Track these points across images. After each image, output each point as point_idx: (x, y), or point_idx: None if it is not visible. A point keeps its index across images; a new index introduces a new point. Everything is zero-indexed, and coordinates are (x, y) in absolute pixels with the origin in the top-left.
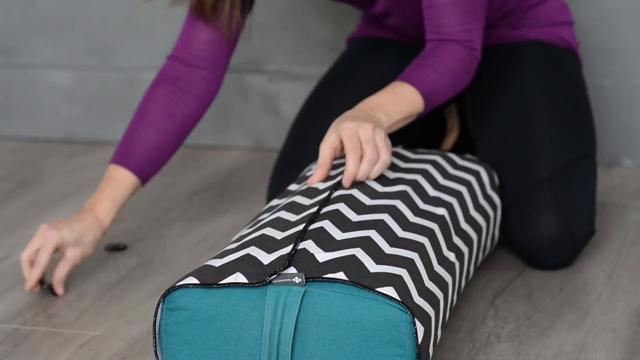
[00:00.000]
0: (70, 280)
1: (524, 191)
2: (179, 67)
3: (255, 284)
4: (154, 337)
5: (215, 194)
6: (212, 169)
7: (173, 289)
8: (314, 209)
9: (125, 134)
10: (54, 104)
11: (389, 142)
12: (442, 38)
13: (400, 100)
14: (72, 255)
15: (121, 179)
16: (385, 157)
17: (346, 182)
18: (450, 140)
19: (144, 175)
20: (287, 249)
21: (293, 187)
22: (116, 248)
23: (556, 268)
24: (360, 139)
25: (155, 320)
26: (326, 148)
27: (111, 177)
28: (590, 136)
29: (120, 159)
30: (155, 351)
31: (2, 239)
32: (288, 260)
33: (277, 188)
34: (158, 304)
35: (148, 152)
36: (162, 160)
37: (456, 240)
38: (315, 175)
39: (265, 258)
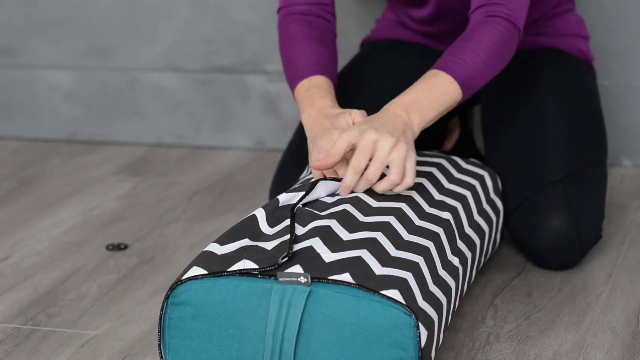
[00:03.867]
0: (70, 280)
1: (535, 191)
2: (300, 15)
3: (267, 268)
4: (159, 331)
5: (215, 194)
6: (212, 169)
7: (181, 282)
8: (301, 194)
9: (288, 61)
10: (54, 104)
11: (412, 159)
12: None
13: (436, 95)
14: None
15: (320, 79)
16: (408, 180)
17: (342, 192)
18: (452, 141)
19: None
20: (284, 225)
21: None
22: (117, 248)
23: (560, 269)
24: (374, 153)
25: (162, 314)
26: (344, 140)
27: (309, 84)
28: (602, 143)
29: (306, 72)
30: (159, 345)
31: (3, 239)
32: (292, 242)
33: (281, 185)
34: (165, 299)
35: (318, 59)
36: (330, 66)
37: (460, 244)
38: (323, 161)
39: (267, 244)
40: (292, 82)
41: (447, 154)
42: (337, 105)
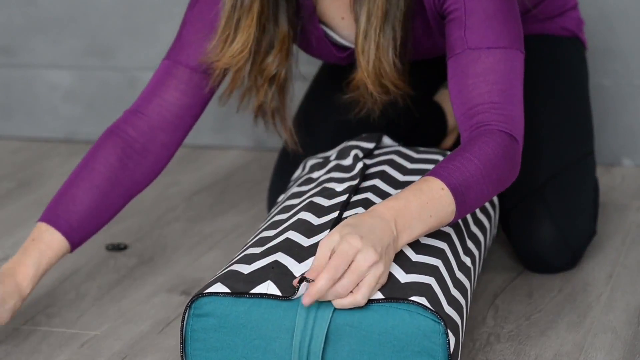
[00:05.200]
0: (70, 280)
1: (519, 199)
2: (141, 125)
3: (288, 297)
4: (182, 343)
5: (215, 194)
6: (212, 169)
7: (202, 295)
8: (335, 214)
9: (61, 189)
10: (54, 104)
11: (382, 279)
12: (474, 118)
13: (426, 202)
14: None
15: (50, 243)
16: (359, 298)
17: (307, 297)
18: (451, 139)
19: (76, 240)
20: (319, 237)
21: (297, 187)
22: (116, 248)
23: (555, 272)
24: (351, 264)
25: (183, 325)
26: (325, 248)
27: (39, 238)
28: (587, 134)
29: (52, 217)
30: (182, 357)
31: (2, 239)
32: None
33: (278, 187)
34: (185, 310)
35: (84, 215)
36: (96, 226)
37: (469, 244)
38: (312, 274)
39: (296, 268)
40: (45, 211)
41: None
42: (30, 280)
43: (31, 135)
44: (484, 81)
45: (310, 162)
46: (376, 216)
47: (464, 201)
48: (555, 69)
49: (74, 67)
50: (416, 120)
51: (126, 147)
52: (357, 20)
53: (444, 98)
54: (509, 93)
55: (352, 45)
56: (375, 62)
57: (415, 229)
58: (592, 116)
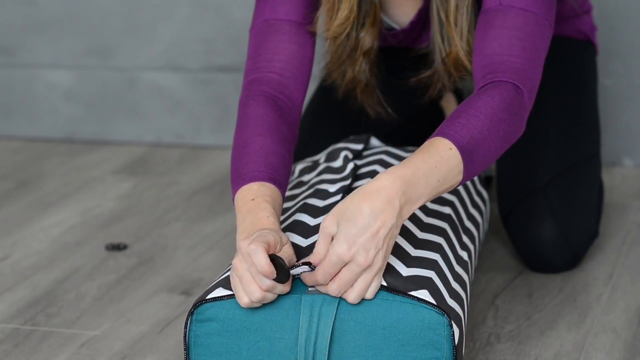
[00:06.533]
0: (70, 280)
1: (521, 198)
2: (272, 83)
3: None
4: (185, 350)
5: (215, 194)
6: (212, 169)
7: (205, 301)
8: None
9: (238, 153)
10: (54, 104)
11: (377, 283)
12: (490, 66)
13: (434, 165)
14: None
15: (266, 191)
16: (351, 298)
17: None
18: None
19: (283, 184)
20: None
21: (288, 191)
22: (116, 248)
23: (556, 272)
24: (342, 271)
25: (186, 331)
26: (329, 250)
27: (256, 194)
28: (594, 135)
29: (245, 179)
30: None
31: (2, 238)
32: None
33: None
34: (188, 316)
35: (271, 159)
36: (287, 171)
37: (465, 239)
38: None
39: (295, 268)
40: (239, 179)
41: None
42: (279, 226)
43: (31, 135)
44: (508, 35)
45: (299, 166)
46: (379, 194)
47: (472, 161)
48: (567, 71)
49: (74, 67)
50: (421, 126)
51: (274, 103)
52: None
53: (449, 102)
54: (530, 51)
55: (397, 27)
56: (466, 36)
57: (422, 197)
58: (600, 120)
